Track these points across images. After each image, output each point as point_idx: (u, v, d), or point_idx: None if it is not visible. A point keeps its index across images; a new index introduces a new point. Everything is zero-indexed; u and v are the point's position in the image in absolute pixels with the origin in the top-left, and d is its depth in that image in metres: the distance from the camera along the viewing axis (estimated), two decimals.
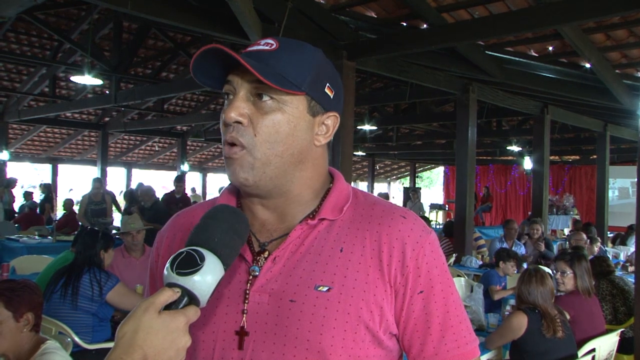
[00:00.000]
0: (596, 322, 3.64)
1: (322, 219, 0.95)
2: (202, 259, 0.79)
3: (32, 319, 2.18)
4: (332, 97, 0.97)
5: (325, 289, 0.89)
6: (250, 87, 0.90)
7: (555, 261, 4.06)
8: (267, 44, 0.92)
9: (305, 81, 0.91)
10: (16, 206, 11.21)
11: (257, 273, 0.93)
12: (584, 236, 6.85)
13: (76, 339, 3.15)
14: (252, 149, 0.90)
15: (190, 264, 0.78)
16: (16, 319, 2.12)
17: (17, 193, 11.99)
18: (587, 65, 6.46)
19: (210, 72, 0.93)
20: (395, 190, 25.87)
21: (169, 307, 0.77)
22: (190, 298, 0.78)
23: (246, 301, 0.92)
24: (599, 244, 7.21)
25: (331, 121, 0.98)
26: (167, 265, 0.80)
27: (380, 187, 23.66)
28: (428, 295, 0.93)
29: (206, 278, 0.78)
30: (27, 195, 11.73)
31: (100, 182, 8.69)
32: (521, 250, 6.80)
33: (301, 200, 0.97)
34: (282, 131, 0.91)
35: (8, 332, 2.10)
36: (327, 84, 0.95)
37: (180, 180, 9.56)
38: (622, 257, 7.85)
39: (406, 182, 24.39)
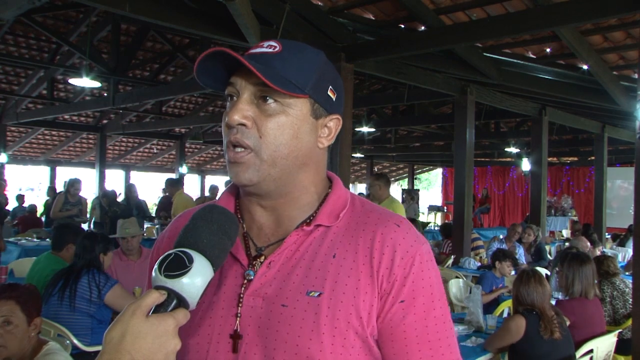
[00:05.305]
0: (596, 325, 3.66)
1: (318, 225, 0.95)
2: (191, 261, 0.78)
3: (40, 324, 2.22)
4: (334, 99, 0.97)
5: (316, 294, 0.89)
6: (255, 89, 0.90)
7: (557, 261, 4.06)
8: (270, 47, 0.92)
9: (308, 84, 0.91)
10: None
11: (251, 277, 0.93)
12: (587, 243, 6.81)
13: (75, 341, 3.14)
14: (259, 151, 0.90)
15: (178, 266, 0.77)
16: (28, 323, 2.15)
17: (10, 196, 11.93)
18: (585, 67, 6.48)
19: (213, 73, 0.93)
20: (394, 192, 25.86)
21: (157, 310, 0.76)
22: (179, 301, 0.77)
23: (240, 305, 0.92)
24: (601, 247, 7.19)
25: (333, 123, 0.98)
26: (155, 267, 0.78)
27: None
28: (408, 306, 0.91)
29: (195, 280, 0.77)
30: (20, 198, 11.70)
31: (79, 183, 8.65)
32: (520, 251, 6.78)
33: (300, 203, 0.97)
34: (287, 134, 0.91)
35: (19, 335, 2.13)
36: (330, 87, 0.96)
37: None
38: (619, 258, 7.85)
39: (405, 184, 24.40)
